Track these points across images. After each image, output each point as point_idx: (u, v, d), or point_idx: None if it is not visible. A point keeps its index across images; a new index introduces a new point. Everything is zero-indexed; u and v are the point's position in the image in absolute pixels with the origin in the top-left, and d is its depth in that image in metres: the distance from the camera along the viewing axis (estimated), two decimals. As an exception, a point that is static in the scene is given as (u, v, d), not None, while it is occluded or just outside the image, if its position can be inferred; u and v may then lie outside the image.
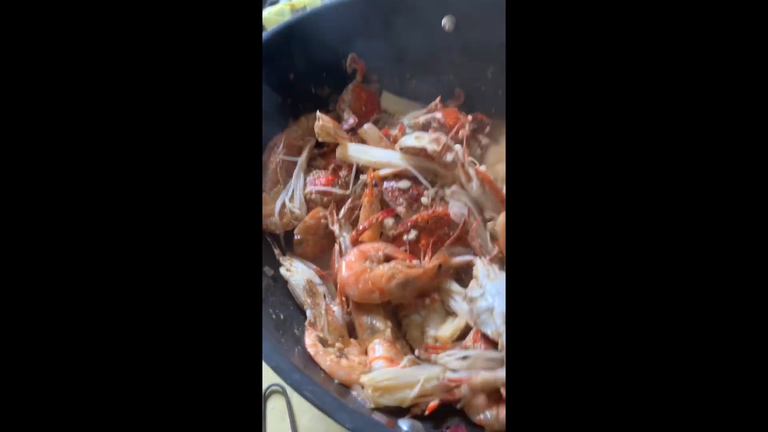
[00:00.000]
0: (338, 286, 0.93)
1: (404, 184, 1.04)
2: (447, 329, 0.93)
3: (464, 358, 0.84)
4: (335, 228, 1.00)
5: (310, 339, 0.87)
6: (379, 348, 0.88)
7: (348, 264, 0.92)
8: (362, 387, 0.82)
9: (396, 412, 0.80)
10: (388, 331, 0.89)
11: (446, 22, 1.16)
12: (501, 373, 0.81)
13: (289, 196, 1.03)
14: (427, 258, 0.96)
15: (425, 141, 1.02)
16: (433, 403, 0.81)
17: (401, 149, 1.04)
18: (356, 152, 1.06)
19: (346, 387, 0.83)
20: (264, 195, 1.05)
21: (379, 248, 0.96)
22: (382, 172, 1.04)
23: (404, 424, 0.76)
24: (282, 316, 0.89)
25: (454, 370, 0.83)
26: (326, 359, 0.84)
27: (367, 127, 1.08)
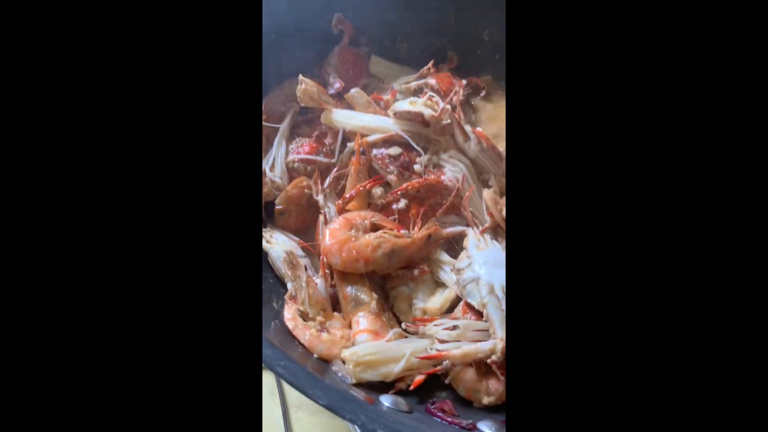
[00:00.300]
0: (321, 254, 0.89)
1: (395, 150, 0.99)
2: (436, 301, 0.90)
3: (453, 328, 0.80)
4: (319, 198, 0.96)
5: (289, 312, 0.83)
6: (363, 321, 0.84)
7: (332, 232, 0.88)
8: (343, 362, 0.78)
9: (379, 387, 0.76)
10: (374, 303, 0.85)
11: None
12: (483, 345, 0.77)
13: (270, 164, 0.98)
14: (416, 228, 0.92)
15: (420, 105, 0.97)
16: (419, 378, 0.77)
17: (395, 114, 0.99)
18: (342, 117, 1.01)
19: (326, 362, 0.78)
20: None
21: (366, 216, 0.92)
22: (371, 138, 0.99)
23: (386, 399, 0.72)
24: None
25: (443, 342, 0.79)
26: (305, 333, 0.81)
27: (354, 92, 1.03)
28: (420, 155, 0.98)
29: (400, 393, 0.79)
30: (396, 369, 0.77)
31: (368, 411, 0.62)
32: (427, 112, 0.96)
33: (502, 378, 0.79)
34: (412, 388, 0.77)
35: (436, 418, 0.76)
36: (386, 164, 0.98)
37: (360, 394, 0.72)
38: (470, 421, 0.75)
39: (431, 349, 0.79)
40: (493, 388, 0.80)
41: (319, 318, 0.84)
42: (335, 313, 0.89)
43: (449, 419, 0.76)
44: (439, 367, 0.78)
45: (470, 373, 0.80)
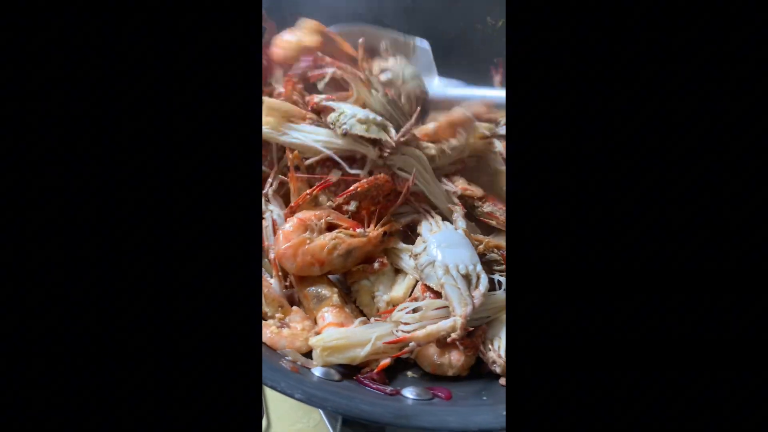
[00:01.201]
0: (275, 258, 0.89)
1: (335, 175, 0.95)
2: (399, 289, 0.92)
3: (414, 310, 0.83)
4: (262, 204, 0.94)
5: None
6: (328, 315, 0.86)
7: (285, 234, 0.88)
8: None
9: (347, 371, 0.77)
10: (335, 296, 0.87)
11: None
12: (444, 324, 0.80)
13: None
14: (371, 225, 0.94)
15: (376, 131, 0.94)
16: (385, 362, 0.79)
17: (344, 134, 0.93)
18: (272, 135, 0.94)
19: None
20: None
21: (321, 216, 0.91)
22: (308, 162, 0.95)
23: (317, 371, 0.75)
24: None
25: (406, 324, 0.81)
26: (266, 332, 0.82)
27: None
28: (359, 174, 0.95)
29: (366, 376, 0.80)
30: (362, 353, 0.79)
31: (290, 378, 0.63)
32: (384, 138, 0.93)
33: (462, 348, 0.82)
34: (376, 371, 0.79)
35: (362, 386, 0.77)
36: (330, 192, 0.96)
37: (288, 365, 0.74)
38: (396, 387, 0.78)
39: (397, 332, 0.81)
40: (455, 360, 0.83)
41: (278, 315, 0.85)
42: (293, 307, 0.89)
43: (374, 386, 0.78)
44: (405, 350, 0.80)
45: (432, 350, 0.83)
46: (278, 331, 0.82)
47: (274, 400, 0.97)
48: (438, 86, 1.16)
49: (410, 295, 0.91)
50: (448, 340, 0.79)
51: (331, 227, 0.92)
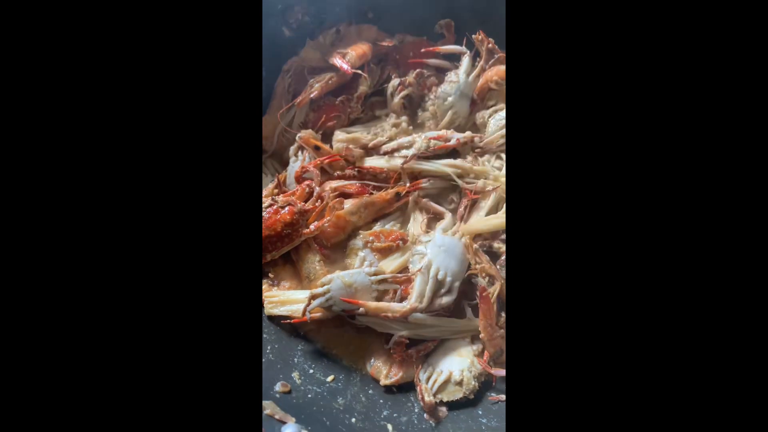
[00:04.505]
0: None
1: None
2: (390, 264, 0.89)
3: (382, 281, 0.85)
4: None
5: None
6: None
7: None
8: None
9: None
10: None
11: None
12: (394, 306, 0.83)
13: (288, 122, 1.02)
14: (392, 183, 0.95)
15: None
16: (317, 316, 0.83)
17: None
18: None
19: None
20: (266, 117, 1.04)
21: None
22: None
23: (290, 428, 0.74)
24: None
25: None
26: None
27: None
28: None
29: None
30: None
31: None
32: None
33: (396, 358, 0.84)
34: (309, 319, 0.82)
35: None
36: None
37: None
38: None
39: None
40: (393, 373, 0.84)
41: (271, 274, 0.92)
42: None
43: None
44: (357, 312, 0.82)
45: (384, 357, 0.85)
46: (267, 286, 0.90)
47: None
48: None
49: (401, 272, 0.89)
50: (391, 342, 0.82)
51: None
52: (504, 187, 0.89)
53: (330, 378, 0.83)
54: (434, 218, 0.95)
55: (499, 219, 0.88)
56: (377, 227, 0.92)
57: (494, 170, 0.93)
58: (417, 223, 0.93)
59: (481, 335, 0.81)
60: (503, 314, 0.82)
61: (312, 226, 0.89)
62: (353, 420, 0.76)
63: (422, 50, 1.05)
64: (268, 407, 0.71)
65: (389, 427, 0.77)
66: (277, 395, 0.74)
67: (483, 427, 0.75)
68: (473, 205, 0.91)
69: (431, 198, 0.96)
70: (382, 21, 1.07)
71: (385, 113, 1.04)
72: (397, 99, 1.01)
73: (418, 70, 1.02)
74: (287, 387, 0.78)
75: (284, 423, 0.68)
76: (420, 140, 0.94)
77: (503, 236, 0.87)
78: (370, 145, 0.98)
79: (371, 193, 0.94)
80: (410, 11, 1.05)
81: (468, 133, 0.96)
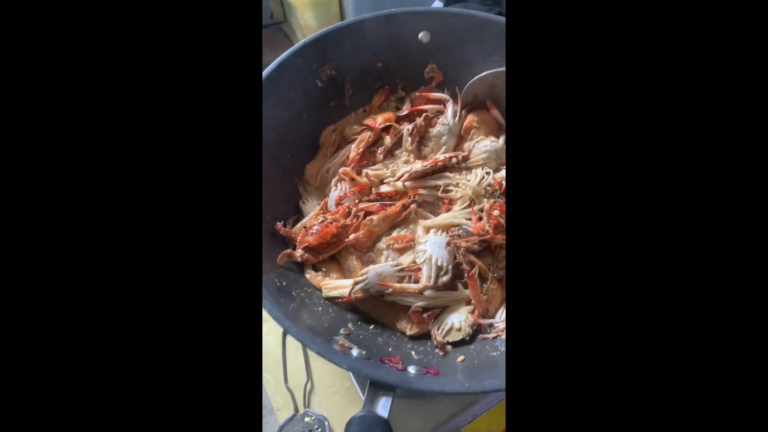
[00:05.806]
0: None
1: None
2: (406, 259, 1.27)
3: (398, 265, 1.22)
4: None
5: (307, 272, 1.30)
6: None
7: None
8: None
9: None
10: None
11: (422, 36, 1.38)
12: (411, 285, 1.18)
13: (328, 167, 1.42)
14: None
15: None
16: (358, 295, 1.18)
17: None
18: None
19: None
20: (314, 161, 1.44)
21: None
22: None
23: (355, 351, 1.10)
24: (284, 283, 1.24)
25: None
26: (316, 278, 1.27)
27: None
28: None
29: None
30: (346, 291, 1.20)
31: (339, 355, 0.96)
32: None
33: (415, 322, 1.19)
34: (354, 297, 1.17)
35: (384, 364, 1.12)
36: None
37: (338, 348, 1.02)
38: (404, 365, 1.10)
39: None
40: (414, 329, 1.20)
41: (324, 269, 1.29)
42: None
43: (392, 365, 1.12)
44: (386, 292, 1.17)
45: (406, 319, 1.21)
46: (321, 277, 1.26)
47: (316, 369, 1.35)
48: None
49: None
50: (410, 311, 1.17)
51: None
52: (468, 192, 1.25)
53: (371, 326, 1.18)
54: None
55: (453, 215, 1.24)
56: (395, 233, 1.29)
57: (466, 181, 1.27)
58: (419, 228, 1.29)
59: (472, 301, 1.18)
60: (485, 285, 1.19)
61: (351, 236, 1.27)
62: (389, 349, 1.12)
63: (417, 94, 1.44)
64: (340, 340, 1.07)
65: (413, 352, 1.12)
66: (342, 335, 1.11)
67: (473, 353, 1.11)
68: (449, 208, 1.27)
69: (428, 206, 1.32)
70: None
71: (400, 152, 1.41)
72: (412, 143, 1.36)
73: (424, 114, 1.37)
74: (347, 330, 1.14)
75: (351, 348, 1.04)
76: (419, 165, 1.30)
77: (457, 231, 1.21)
78: (384, 181, 1.36)
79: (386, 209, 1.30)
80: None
81: (450, 153, 1.32)
